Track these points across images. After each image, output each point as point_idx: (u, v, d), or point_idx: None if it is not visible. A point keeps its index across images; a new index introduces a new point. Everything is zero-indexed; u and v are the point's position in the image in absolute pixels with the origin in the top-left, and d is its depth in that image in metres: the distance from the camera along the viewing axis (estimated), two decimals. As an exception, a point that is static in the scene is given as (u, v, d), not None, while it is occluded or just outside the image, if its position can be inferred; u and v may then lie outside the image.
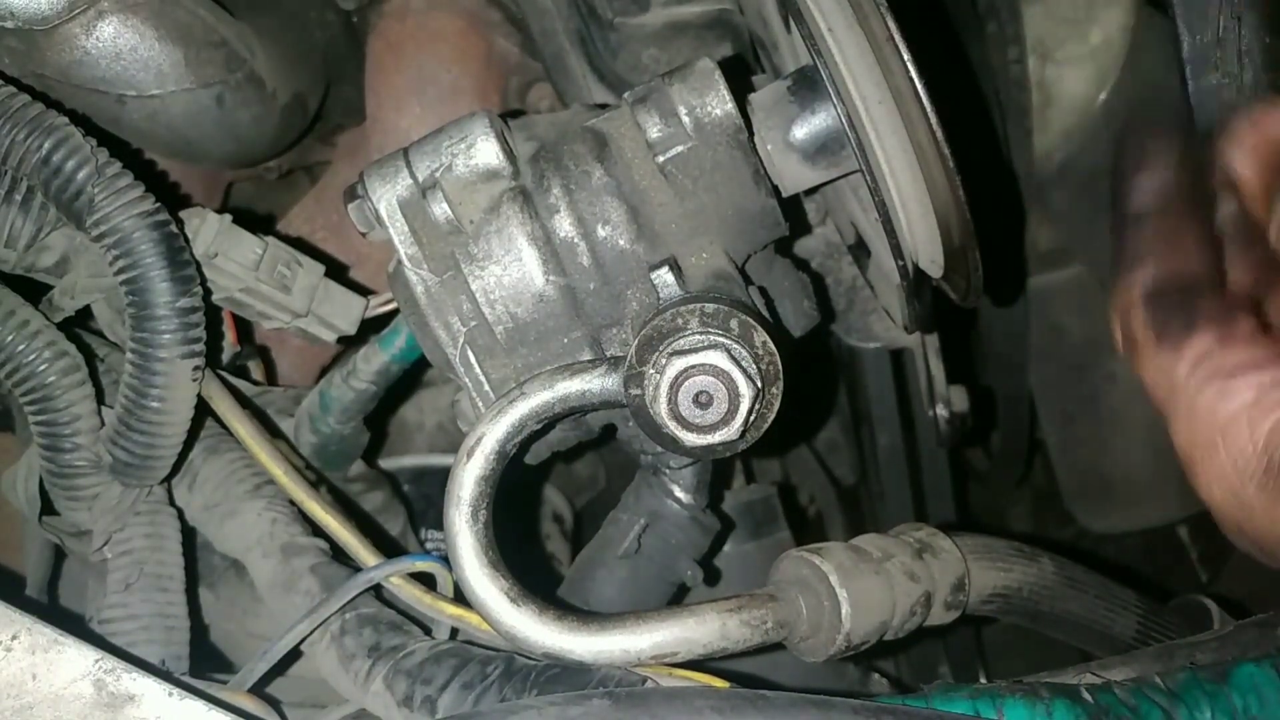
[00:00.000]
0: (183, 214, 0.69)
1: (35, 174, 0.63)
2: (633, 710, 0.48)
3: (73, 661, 0.48)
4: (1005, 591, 0.65)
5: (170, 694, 0.48)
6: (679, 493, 0.68)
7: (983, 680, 0.80)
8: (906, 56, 0.52)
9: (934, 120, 0.53)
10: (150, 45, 0.76)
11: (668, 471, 0.68)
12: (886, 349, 0.90)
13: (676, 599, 0.72)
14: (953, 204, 0.56)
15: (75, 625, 0.55)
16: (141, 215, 0.62)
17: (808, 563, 0.59)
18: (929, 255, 0.64)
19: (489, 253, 0.60)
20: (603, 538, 0.71)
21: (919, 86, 0.52)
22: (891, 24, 0.52)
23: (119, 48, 0.75)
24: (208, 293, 0.68)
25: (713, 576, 0.81)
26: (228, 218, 0.71)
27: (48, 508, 0.68)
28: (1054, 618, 0.68)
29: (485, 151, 0.61)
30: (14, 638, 0.48)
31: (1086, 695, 0.50)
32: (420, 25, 0.93)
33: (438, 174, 0.61)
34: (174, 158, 0.85)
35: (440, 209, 0.60)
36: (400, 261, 0.62)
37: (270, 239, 0.73)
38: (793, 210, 0.66)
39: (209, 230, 0.70)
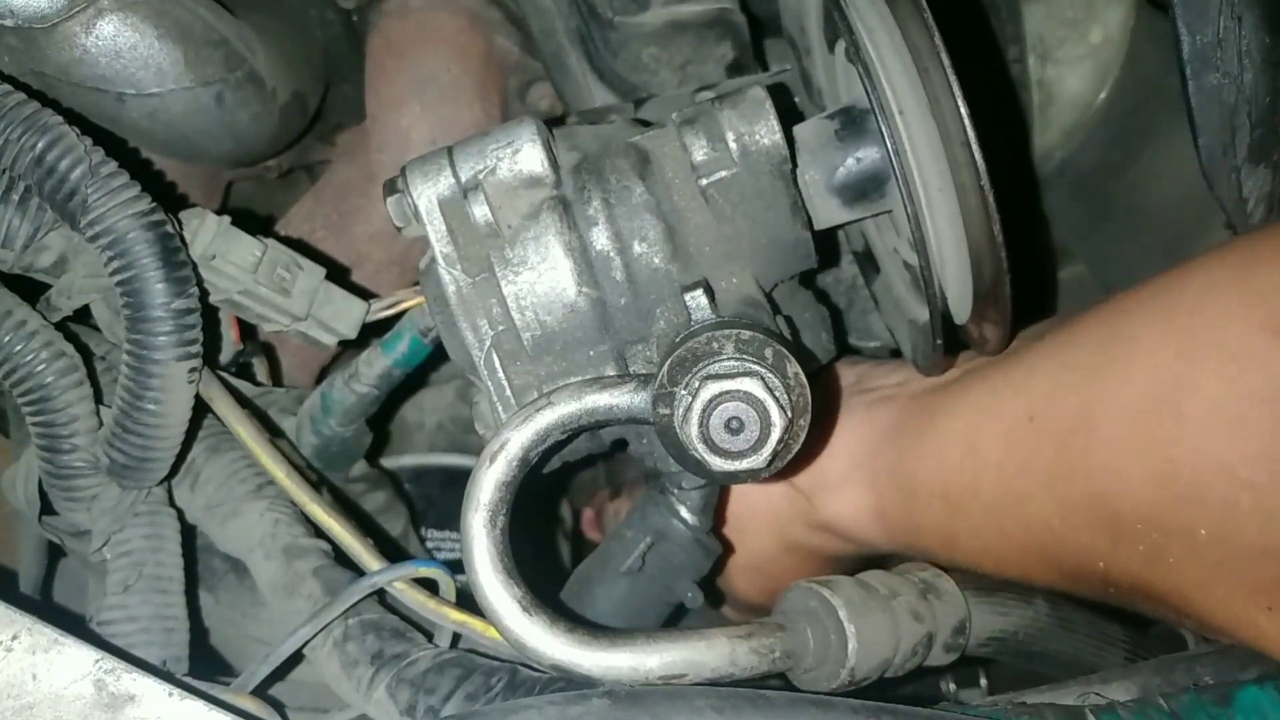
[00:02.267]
0: (182, 215, 0.69)
1: (29, 173, 0.62)
2: (632, 709, 0.48)
3: (73, 661, 0.48)
4: (1002, 635, 0.66)
5: (171, 694, 0.48)
6: (685, 513, 0.68)
7: (983, 682, 0.80)
8: (968, 122, 0.52)
9: (987, 187, 0.53)
10: (150, 43, 0.76)
11: (676, 492, 0.68)
12: (886, 348, 0.90)
13: (673, 619, 0.72)
14: (990, 264, 0.57)
15: (75, 625, 0.55)
16: (136, 215, 0.61)
17: (817, 595, 0.60)
18: (954, 306, 0.64)
19: (524, 259, 0.60)
20: (605, 552, 0.71)
21: (976, 153, 0.52)
22: (956, 87, 0.52)
23: (119, 46, 0.75)
24: (205, 294, 0.68)
25: (715, 598, 0.81)
26: (226, 219, 0.71)
27: (47, 508, 0.68)
28: (1046, 658, 0.69)
29: (530, 158, 0.61)
30: (14, 638, 0.48)
31: (1091, 718, 0.51)
32: (420, 24, 0.93)
33: (481, 176, 0.61)
34: (173, 156, 0.85)
35: (480, 211, 0.60)
36: (434, 259, 0.62)
37: (270, 241, 0.72)
38: (824, 243, 0.67)
39: (208, 232, 0.69)
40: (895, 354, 0.95)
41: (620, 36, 0.85)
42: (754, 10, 0.90)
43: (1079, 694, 0.55)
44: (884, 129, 0.56)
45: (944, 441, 0.65)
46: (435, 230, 0.61)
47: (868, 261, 0.77)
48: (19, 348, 0.63)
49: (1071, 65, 0.94)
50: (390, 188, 0.63)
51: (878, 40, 0.58)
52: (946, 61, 0.53)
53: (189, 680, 0.57)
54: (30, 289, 0.68)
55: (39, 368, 0.63)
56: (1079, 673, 0.65)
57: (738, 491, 0.77)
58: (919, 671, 0.64)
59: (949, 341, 0.65)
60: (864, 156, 0.63)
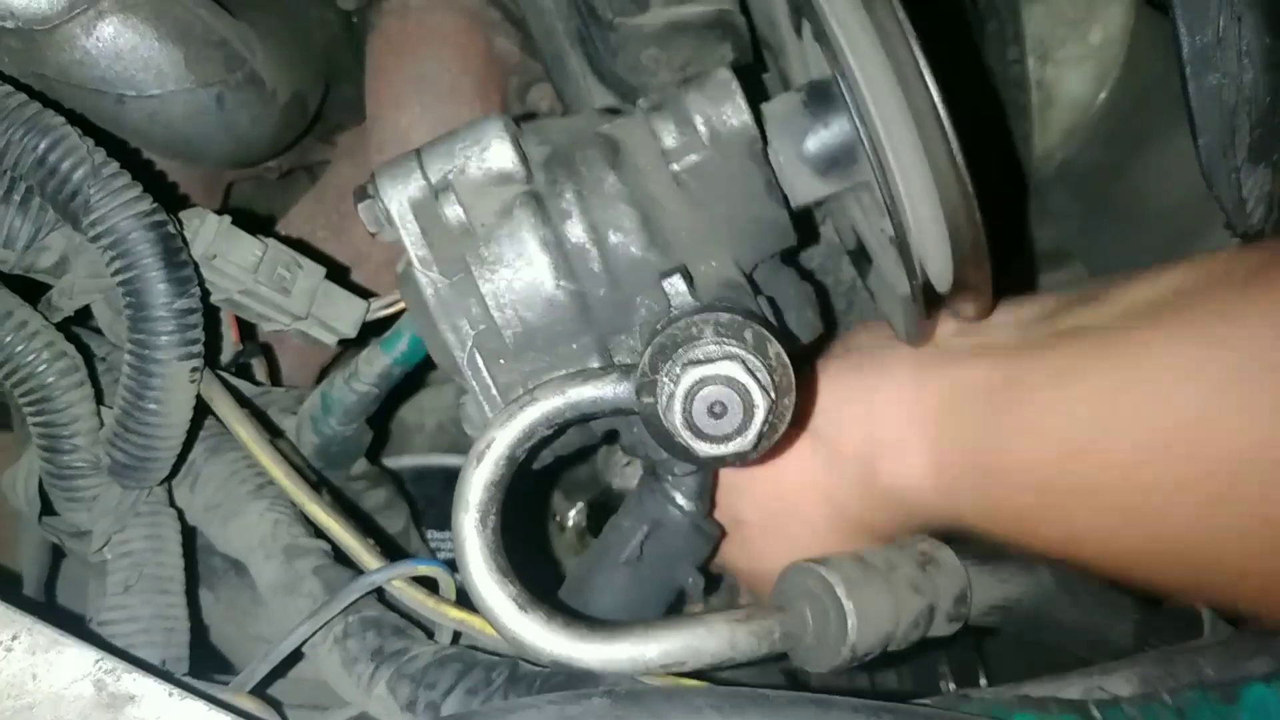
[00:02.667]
0: (182, 214, 0.69)
1: (31, 174, 0.62)
2: (632, 708, 0.48)
3: (73, 662, 0.48)
4: (1005, 604, 0.66)
5: (171, 694, 0.48)
6: (681, 500, 0.68)
7: (983, 683, 0.80)
8: (928, 75, 0.52)
9: (954, 143, 0.52)
10: (150, 45, 0.76)
11: (670, 479, 0.68)
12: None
13: (675, 606, 0.72)
14: (967, 225, 0.56)
15: (75, 625, 0.55)
16: (138, 215, 0.61)
17: (813, 573, 0.59)
18: (937, 271, 0.64)
19: (500, 256, 0.60)
20: (603, 544, 0.70)
21: (939, 105, 0.52)
22: (915, 44, 0.52)
23: (119, 47, 0.75)
24: (206, 294, 0.68)
25: (714, 583, 0.80)
26: (227, 219, 0.71)
27: (48, 508, 0.68)
28: (1052, 627, 0.69)
29: (499, 154, 0.60)
30: (14, 638, 0.48)
31: (1095, 712, 0.51)
32: (420, 25, 0.93)
33: (450, 175, 0.61)
34: (174, 157, 0.85)
35: (453, 211, 0.60)
36: (410, 263, 0.62)
37: (271, 241, 0.72)
38: (803, 220, 0.66)
39: (208, 231, 0.69)
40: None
41: (620, 37, 0.85)
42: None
43: (1083, 688, 0.55)
44: (847, 94, 0.55)
45: (1040, 432, 0.60)
46: (409, 233, 0.61)
47: (861, 256, 0.77)
48: (20, 348, 0.63)
49: (1071, 66, 0.94)
50: (361, 193, 0.63)
51: (838, 8, 0.57)
52: (908, 26, 0.52)
53: (189, 680, 0.57)
54: (31, 289, 0.68)
55: (40, 368, 0.63)
56: (1088, 644, 0.64)
57: (767, 479, 0.74)
58: (922, 645, 0.63)
59: (932, 309, 0.63)
60: (831, 122, 0.62)
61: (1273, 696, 0.52)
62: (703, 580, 0.70)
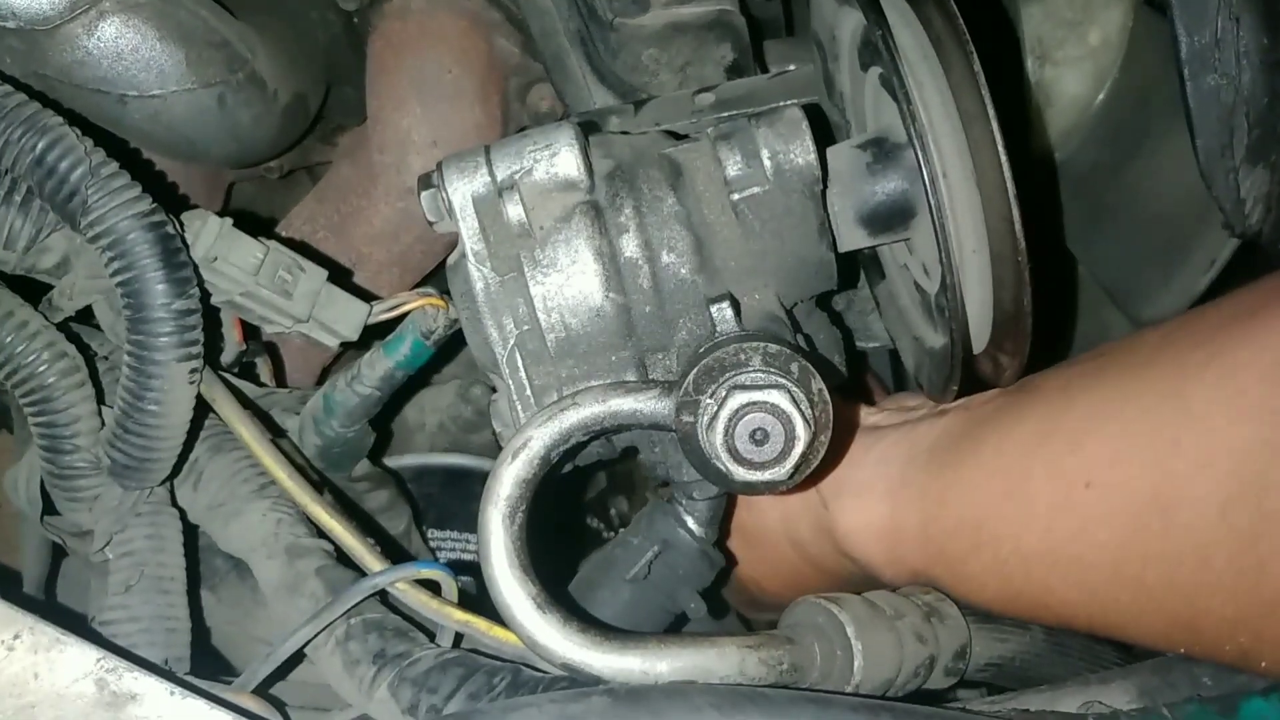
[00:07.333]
0: (184, 216, 0.69)
1: (29, 174, 0.62)
2: (633, 707, 0.48)
3: (75, 660, 0.48)
4: (999, 661, 0.66)
5: (172, 693, 0.48)
6: (692, 524, 0.68)
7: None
8: (1009, 176, 0.54)
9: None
10: (152, 45, 0.76)
11: (685, 502, 0.68)
12: (886, 348, 0.90)
13: (672, 629, 0.72)
14: (1013, 295, 0.57)
15: (77, 625, 0.55)
16: (137, 216, 0.61)
17: (824, 610, 0.60)
18: (974, 332, 0.64)
19: (554, 261, 0.61)
20: (608, 557, 0.71)
21: (1014, 204, 0.54)
22: (996, 129, 0.53)
23: (120, 48, 0.75)
24: (206, 294, 0.68)
25: (717, 610, 0.80)
26: (228, 221, 0.71)
27: (49, 508, 0.68)
28: (1040, 682, 0.69)
29: (567, 162, 0.62)
30: (16, 637, 0.48)
31: None
32: (421, 25, 0.93)
33: (517, 176, 0.62)
34: (175, 158, 0.85)
35: (514, 210, 0.61)
36: (464, 255, 0.63)
37: (272, 243, 0.72)
38: (844, 266, 0.67)
39: (209, 233, 0.69)
40: (894, 355, 0.96)
41: (620, 38, 0.85)
42: (753, 12, 0.90)
43: (1081, 701, 0.55)
44: (931, 199, 0.57)
45: (986, 474, 0.62)
46: (468, 227, 0.62)
47: (873, 265, 0.77)
48: (21, 348, 0.63)
49: (1069, 66, 0.94)
50: (425, 182, 0.64)
51: (929, 102, 0.57)
52: (998, 135, 0.54)
53: (190, 679, 0.57)
54: (33, 290, 0.68)
55: (41, 368, 0.63)
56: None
57: (744, 500, 0.76)
58: (915, 696, 0.63)
59: (964, 373, 0.64)
60: (895, 190, 0.64)
61: (1271, 710, 0.51)
62: (704, 605, 0.70)
